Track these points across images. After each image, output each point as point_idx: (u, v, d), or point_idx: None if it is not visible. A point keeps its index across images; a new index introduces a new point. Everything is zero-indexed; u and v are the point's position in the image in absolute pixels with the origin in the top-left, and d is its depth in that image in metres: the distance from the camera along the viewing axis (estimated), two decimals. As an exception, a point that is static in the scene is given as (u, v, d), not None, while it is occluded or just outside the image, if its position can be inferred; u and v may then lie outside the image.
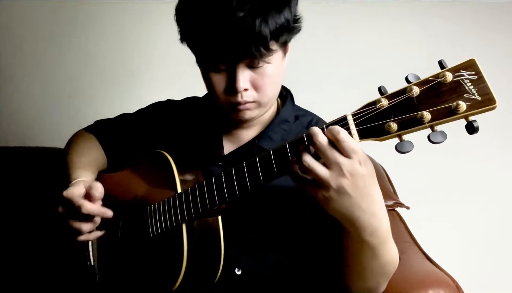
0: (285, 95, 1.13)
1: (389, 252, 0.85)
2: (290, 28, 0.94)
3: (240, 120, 1.02)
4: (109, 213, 1.00)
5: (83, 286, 1.12)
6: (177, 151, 1.07)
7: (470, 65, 0.67)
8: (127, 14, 1.86)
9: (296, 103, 1.15)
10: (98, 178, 1.15)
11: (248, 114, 1.00)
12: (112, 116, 1.27)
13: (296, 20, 0.97)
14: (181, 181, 1.01)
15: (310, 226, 0.98)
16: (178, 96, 1.24)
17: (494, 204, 1.86)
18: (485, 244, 1.84)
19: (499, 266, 1.84)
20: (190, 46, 0.98)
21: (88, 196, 0.98)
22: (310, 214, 1.00)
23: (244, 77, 0.94)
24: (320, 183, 0.73)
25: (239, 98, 0.96)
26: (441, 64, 0.69)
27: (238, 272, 1.02)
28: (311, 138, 0.73)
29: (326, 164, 0.73)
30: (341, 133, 0.72)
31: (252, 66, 0.94)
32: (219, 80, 0.98)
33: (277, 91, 1.03)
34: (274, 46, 0.92)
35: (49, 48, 1.89)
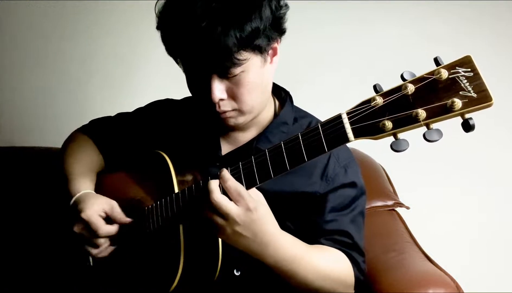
0: (284, 97, 1.11)
1: (306, 268, 0.92)
2: (264, 34, 0.90)
3: (227, 126, 1.02)
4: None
5: (82, 287, 1.12)
6: (175, 151, 1.07)
7: (466, 62, 0.66)
8: (126, 13, 1.86)
9: (296, 103, 1.14)
10: (97, 179, 1.15)
11: (232, 121, 0.99)
12: (111, 114, 1.26)
13: (276, 22, 0.93)
14: (179, 182, 1.01)
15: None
16: (178, 95, 1.23)
17: (494, 204, 1.85)
18: (485, 244, 1.84)
19: (499, 266, 1.83)
20: (170, 55, 0.98)
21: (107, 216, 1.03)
22: (291, 225, 1.02)
23: (218, 87, 0.93)
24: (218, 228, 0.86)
25: (217, 108, 0.95)
26: (436, 61, 0.68)
27: (237, 273, 1.02)
28: (207, 195, 0.85)
29: (222, 214, 0.84)
30: (227, 182, 0.84)
31: (225, 76, 0.92)
32: (198, 90, 0.97)
33: (261, 98, 1.00)
34: (243, 55, 0.89)
35: (49, 48, 1.89)
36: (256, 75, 0.94)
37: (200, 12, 0.87)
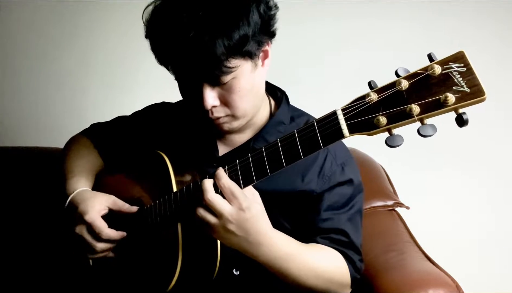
0: (280, 96, 1.11)
1: (298, 266, 0.93)
2: (253, 39, 0.89)
3: (222, 131, 1.02)
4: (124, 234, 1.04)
5: (82, 287, 1.12)
6: (173, 152, 1.07)
7: (459, 57, 0.66)
8: (127, 15, 1.86)
9: (294, 103, 1.14)
10: (96, 180, 1.16)
11: (226, 126, 1.00)
12: (110, 116, 1.27)
13: (266, 26, 0.92)
14: (178, 182, 1.01)
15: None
16: (174, 99, 1.24)
17: (495, 204, 1.85)
18: (485, 244, 1.83)
19: (499, 266, 1.82)
20: (161, 64, 0.98)
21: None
22: (287, 224, 1.03)
23: (210, 95, 0.93)
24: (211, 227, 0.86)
25: (210, 115, 0.96)
26: (430, 57, 0.68)
27: (236, 272, 1.02)
28: (201, 193, 0.85)
29: (215, 213, 0.85)
30: (221, 181, 0.84)
31: (216, 83, 0.92)
32: (191, 97, 0.97)
33: (253, 101, 0.99)
34: (233, 62, 0.89)
35: (49, 49, 1.90)
36: (247, 80, 0.94)
37: (187, 21, 0.86)
